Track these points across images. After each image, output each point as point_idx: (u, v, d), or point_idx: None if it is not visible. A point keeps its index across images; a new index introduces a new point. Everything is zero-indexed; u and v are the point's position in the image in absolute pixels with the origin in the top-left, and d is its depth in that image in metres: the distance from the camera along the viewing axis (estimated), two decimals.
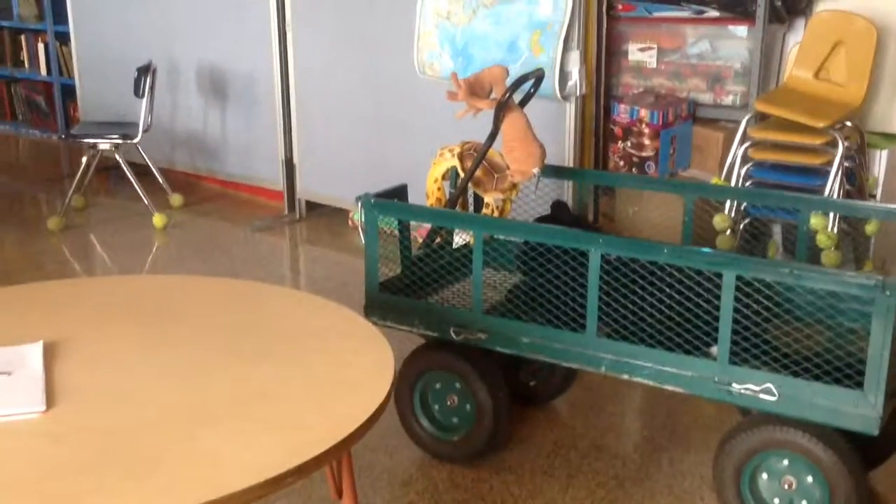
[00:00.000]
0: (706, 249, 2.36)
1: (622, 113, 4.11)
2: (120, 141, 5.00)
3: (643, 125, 4.05)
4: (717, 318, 2.32)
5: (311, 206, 5.20)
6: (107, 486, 1.50)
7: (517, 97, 3.07)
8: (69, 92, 6.68)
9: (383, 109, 4.70)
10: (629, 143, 4.11)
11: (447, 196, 3.11)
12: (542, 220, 3.18)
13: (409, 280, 2.89)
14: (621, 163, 4.16)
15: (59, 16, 6.51)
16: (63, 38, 6.61)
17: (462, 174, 3.04)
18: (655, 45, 4.21)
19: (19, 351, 1.91)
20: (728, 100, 4.11)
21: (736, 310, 2.29)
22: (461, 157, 3.08)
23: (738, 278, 2.27)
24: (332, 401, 1.78)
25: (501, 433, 2.75)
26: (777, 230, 3.79)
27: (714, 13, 4.05)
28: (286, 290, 2.43)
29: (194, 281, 2.45)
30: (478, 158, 3.00)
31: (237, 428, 1.68)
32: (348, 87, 4.81)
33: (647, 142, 4.06)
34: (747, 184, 3.72)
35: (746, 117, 3.82)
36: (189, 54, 5.51)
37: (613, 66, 4.30)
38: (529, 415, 3.09)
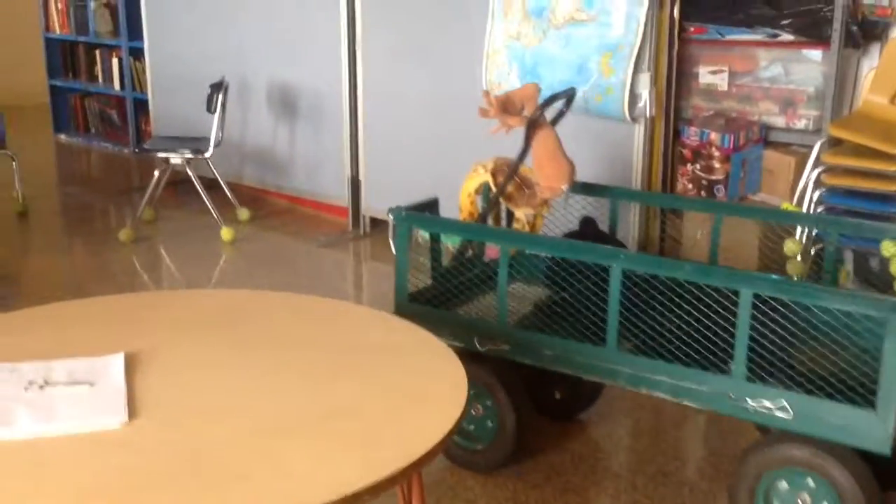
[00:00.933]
0: (725, 268, 2.38)
1: (692, 135, 4.08)
2: (191, 155, 5.09)
3: (713, 148, 4.01)
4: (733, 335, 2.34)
5: (375, 223, 5.23)
6: (185, 498, 1.52)
7: (550, 115, 3.10)
8: (141, 106, 6.82)
9: (449, 128, 4.72)
10: (698, 166, 4.08)
11: (480, 210, 3.16)
12: (570, 235, 3.22)
13: (439, 291, 2.93)
14: (690, 185, 4.13)
15: (134, 32, 6.66)
16: (137, 53, 6.76)
17: (494, 189, 3.08)
18: (727, 68, 4.17)
19: (102, 362, 1.95)
20: (801, 124, 4.06)
21: (753, 327, 2.30)
22: (494, 173, 3.13)
23: (756, 296, 2.28)
24: (407, 418, 1.79)
25: (523, 444, 2.78)
26: (849, 257, 3.72)
27: (788, 37, 4.00)
28: (355, 306, 2.45)
29: (265, 296, 2.48)
30: (508, 174, 3.05)
31: (313, 444, 1.69)
32: (415, 105, 4.85)
33: (717, 165, 4.02)
34: (819, 209, 3.66)
35: (819, 142, 3.76)
36: (260, 72, 5.60)
37: (684, 88, 4.27)
38: (593, 437, 3.07)
